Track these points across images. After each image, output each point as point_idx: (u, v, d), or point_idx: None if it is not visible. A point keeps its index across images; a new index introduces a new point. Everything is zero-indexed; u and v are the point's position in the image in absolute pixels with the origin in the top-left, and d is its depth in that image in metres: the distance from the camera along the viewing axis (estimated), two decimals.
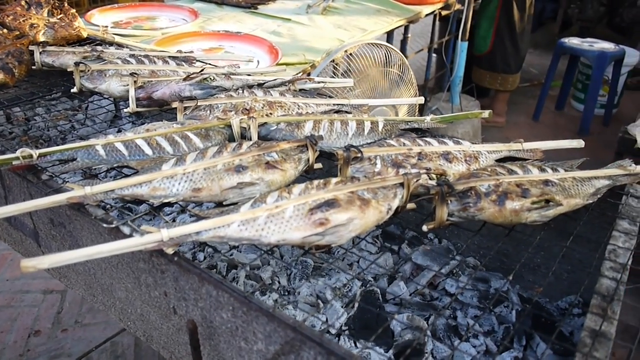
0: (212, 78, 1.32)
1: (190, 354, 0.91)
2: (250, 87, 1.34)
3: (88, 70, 1.36)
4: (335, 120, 1.15)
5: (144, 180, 0.91)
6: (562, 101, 4.50)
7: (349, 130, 1.14)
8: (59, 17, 1.71)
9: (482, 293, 1.09)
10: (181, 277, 0.86)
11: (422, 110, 3.42)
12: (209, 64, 1.57)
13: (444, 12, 3.17)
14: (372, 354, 0.93)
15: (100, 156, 1.02)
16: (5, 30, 1.58)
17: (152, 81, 1.31)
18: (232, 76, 1.36)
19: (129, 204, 1.28)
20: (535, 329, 0.98)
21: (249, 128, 1.10)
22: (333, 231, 0.80)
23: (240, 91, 1.27)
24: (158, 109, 1.30)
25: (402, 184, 0.90)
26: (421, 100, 1.43)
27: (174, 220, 1.31)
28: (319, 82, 1.42)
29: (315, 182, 0.87)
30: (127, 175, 0.97)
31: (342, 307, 1.04)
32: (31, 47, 1.50)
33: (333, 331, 0.98)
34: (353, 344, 0.95)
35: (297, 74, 1.90)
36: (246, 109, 1.20)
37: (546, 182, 0.94)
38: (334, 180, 0.88)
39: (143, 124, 1.14)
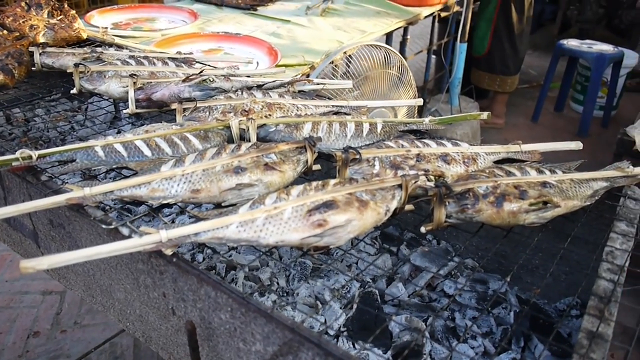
0: (212, 79, 1.33)
1: (189, 354, 0.91)
2: (250, 88, 1.35)
3: (88, 72, 1.37)
4: (334, 121, 1.16)
5: (143, 181, 0.91)
6: (561, 103, 4.51)
7: (348, 131, 1.15)
8: (58, 18, 1.72)
9: (480, 294, 1.09)
10: (180, 278, 0.86)
11: (421, 111, 3.42)
12: (208, 65, 1.57)
13: (443, 14, 3.18)
14: (371, 355, 0.93)
15: (100, 157, 1.02)
16: (5, 32, 1.58)
17: (151, 82, 1.31)
18: (231, 78, 1.36)
19: (128, 205, 1.28)
20: (533, 330, 0.99)
21: (248, 129, 1.11)
22: (331, 232, 0.80)
23: (240, 93, 1.27)
24: (157, 110, 1.31)
25: (400, 186, 0.90)
26: (420, 101, 1.44)
27: (172, 222, 1.31)
28: (318, 84, 1.42)
29: (314, 183, 0.87)
30: (126, 177, 0.97)
31: (340, 308, 1.04)
32: (31, 49, 1.51)
33: (331, 332, 0.98)
34: (351, 345, 0.96)
35: (296, 75, 1.91)
36: (245, 110, 1.20)
37: (544, 184, 0.94)
38: (332, 181, 0.88)
39: (142, 125, 1.14)
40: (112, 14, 2.50)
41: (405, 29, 2.95)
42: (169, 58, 1.51)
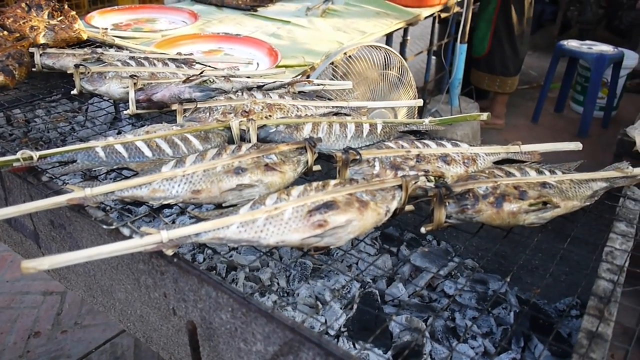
0: (212, 80, 1.33)
1: (189, 355, 0.91)
2: (250, 89, 1.35)
3: (88, 73, 1.37)
4: (334, 122, 1.16)
5: (143, 182, 0.91)
6: (561, 103, 4.51)
7: (348, 132, 1.15)
8: (59, 19, 1.72)
9: (480, 294, 1.10)
10: (181, 279, 0.86)
11: (421, 112, 3.43)
12: (209, 66, 1.57)
13: (443, 15, 3.18)
14: (371, 355, 0.93)
15: (100, 158, 1.02)
16: (5, 33, 1.59)
17: (151, 83, 1.32)
18: (231, 78, 1.37)
19: (129, 205, 1.28)
20: (533, 330, 0.99)
21: (248, 130, 1.11)
22: (332, 233, 0.81)
23: (240, 93, 1.27)
24: (158, 111, 1.31)
25: (400, 186, 0.90)
26: (420, 102, 1.44)
27: (173, 222, 1.32)
28: (318, 85, 1.42)
29: (314, 184, 0.87)
30: (127, 177, 0.97)
31: (341, 308, 1.05)
32: (31, 49, 1.51)
33: (332, 332, 0.99)
34: (352, 345, 0.96)
35: (296, 76, 1.91)
36: (245, 111, 1.21)
37: (544, 185, 0.95)
38: (332, 182, 0.89)
39: (143, 126, 1.14)
40: (113, 15, 2.50)
41: (406, 30, 2.95)
42: (169, 59, 1.51)
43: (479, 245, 1.23)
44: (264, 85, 1.38)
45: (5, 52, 1.44)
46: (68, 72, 1.40)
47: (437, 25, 3.37)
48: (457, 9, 3.26)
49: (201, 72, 1.37)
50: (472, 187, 0.91)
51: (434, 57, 3.66)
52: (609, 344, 0.71)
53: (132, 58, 1.46)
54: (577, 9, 5.97)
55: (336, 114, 1.25)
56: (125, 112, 1.29)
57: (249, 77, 1.42)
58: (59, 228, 1.09)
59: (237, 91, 1.31)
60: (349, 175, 1.00)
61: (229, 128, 1.12)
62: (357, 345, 0.95)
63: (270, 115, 1.21)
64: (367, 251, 1.26)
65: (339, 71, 2.00)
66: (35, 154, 1.00)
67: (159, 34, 2.24)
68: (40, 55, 1.49)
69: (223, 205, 0.93)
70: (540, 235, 0.95)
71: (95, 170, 1.04)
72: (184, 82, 1.29)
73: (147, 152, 1.04)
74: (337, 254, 1.22)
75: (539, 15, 5.94)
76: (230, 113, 1.20)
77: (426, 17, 2.98)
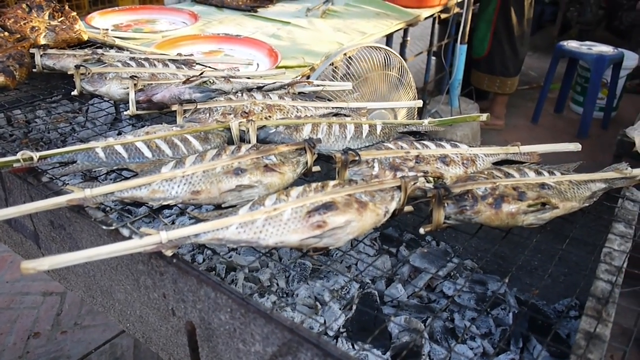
0: (212, 81, 1.33)
1: (188, 355, 0.91)
2: (250, 90, 1.35)
3: (88, 73, 1.37)
4: (334, 123, 1.16)
5: (143, 182, 0.92)
6: (561, 104, 4.51)
7: (347, 133, 1.15)
8: (59, 20, 1.72)
9: (479, 295, 1.10)
10: (180, 279, 0.87)
11: (421, 112, 3.43)
12: (209, 67, 1.58)
13: (443, 15, 3.18)
14: (370, 356, 0.93)
15: (100, 159, 1.02)
16: (6, 33, 1.59)
17: (152, 84, 1.32)
18: (231, 79, 1.37)
19: (129, 206, 1.29)
20: (532, 331, 0.99)
21: (248, 131, 1.11)
22: (331, 234, 0.81)
23: (240, 94, 1.28)
24: (158, 112, 1.31)
25: (399, 187, 0.90)
26: (420, 103, 1.44)
27: (173, 223, 1.32)
28: (318, 85, 1.42)
29: (313, 184, 0.88)
30: (126, 178, 0.97)
31: (340, 309, 1.05)
32: (32, 50, 1.51)
33: (331, 333, 0.99)
34: (351, 346, 0.96)
35: (296, 77, 1.91)
36: (245, 112, 1.21)
37: (542, 185, 0.95)
38: (331, 183, 0.89)
39: (143, 126, 1.15)
40: (113, 16, 2.50)
41: (405, 31, 2.96)
42: (169, 60, 1.52)
43: (478, 246, 1.23)
44: (263, 86, 1.38)
45: (6, 52, 1.44)
46: (68, 72, 1.41)
47: (437, 26, 3.37)
48: (457, 9, 3.27)
49: (201, 73, 1.37)
50: (471, 188, 0.92)
51: (433, 58, 3.66)
52: (607, 344, 0.71)
53: (132, 59, 1.46)
54: (577, 9, 5.97)
55: (336, 114, 1.26)
56: (125, 112, 1.30)
57: (248, 78, 1.42)
58: (59, 229, 1.09)
59: (237, 92, 1.31)
60: (348, 176, 1.00)
61: (228, 129, 1.12)
62: (356, 346, 0.96)
63: (270, 116, 1.21)
64: (366, 252, 1.26)
65: (338, 72, 2.00)
66: (36, 155, 1.00)
67: (159, 34, 2.24)
68: (41, 56, 1.50)
69: (222, 206, 0.93)
70: (539, 236, 0.96)
71: (95, 171, 1.04)
72: (184, 83, 1.29)
73: (147, 153, 1.04)
74: (336, 254, 1.22)
75: (539, 16, 5.94)
76: (230, 114, 1.20)
77: (426, 18, 2.98)
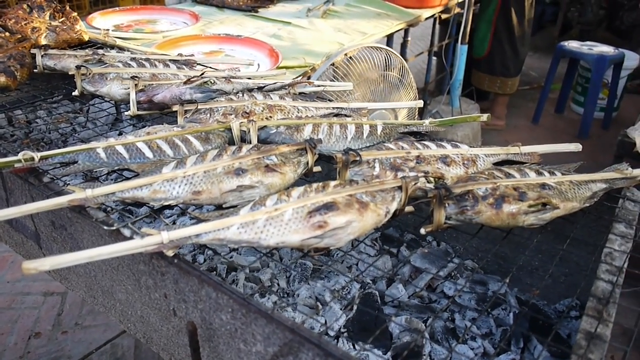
0: (213, 81, 1.33)
1: (190, 355, 0.92)
2: (250, 90, 1.35)
3: (89, 74, 1.38)
4: (335, 123, 1.16)
5: (144, 183, 0.92)
6: (562, 104, 4.51)
7: (348, 133, 1.15)
8: (60, 20, 1.72)
9: (479, 295, 1.10)
10: (181, 279, 0.87)
11: (422, 113, 3.43)
12: (210, 67, 1.58)
13: (443, 16, 3.18)
14: (371, 356, 0.93)
15: (101, 159, 1.03)
16: (7, 34, 1.59)
17: (153, 84, 1.32)
18: (232, 79, 1.37)
19: (130, 206, 1.29)
20: (533, 331, 0.99)
21: (249, 131, 1.11)
22: (332, 234, 0.81)
23: (241, 94, 1.28)
24: (159, 112, 1.31)
25: (400, 187, 0.91)
26: (420, 103, 1.44)
27: (174, 223, 1.32)
28: (318, 86, 1.43)
29: (314, 185, 0.88)
30: (127, 178, 0.98)
31: (340, 309, 1.05)
32: (33, 51, 1.51)
33: (332, 333, 0.99)
34: (351, 346, 0.96)
35: (297, 77, 1.91)
36: (246, 112, 1.21)
37: (543, 186, 0.95)
38: (332, 183, 0.89)
39: (144, 127, 1.15)
40: (114, 16, 2.51)
41: (406, 31, 2.96)
42: (170, 60, 1.52)
43: (479, 246, 1.23)
44: (264, 87, 1.38)
45: (7, 53, 1.45)
46: (69, 73, 1.41)
47: (437, 26, 3.37)
48: (457, 10, 3.27)
49: (202, 73, 1.37)
50: (471, 189, 0.92)
51: (434, 58, 3.66)
52: (607, 344, 0.71)
53: (133, 59, 1.46)
54: (578, 9, 5.97)
55: (336, 115, 1.26)
56: (126, 113, 1.30)
57: (249, 78, 1.43)
58: (60, 229, 1.10)
59: (237, 92, 1.31)
60: (349, 176, 1.00)
61: (229, 129, 1.13)
62: (356, 346, 0.96)
63: (270, 117, 1.21)
64: (367, 252, 1.26)
65: (339, 72, 2.00)
66: (37, 155, 1.00)
67: (160, 35, 2.24)
68: (42, 56, 1.50)
69: (223, 206, 0.93)
70: (540, 236, 0.96)
71: (96, 171, 1.04)
72: (185, 83, 1.29)
73: (148, 153, 1.04)
74: (337, 254, 1.23)
75: (540, 16, 5.94)
76: (231, 114, 1.21)
77: (427, 18, 2.98)
